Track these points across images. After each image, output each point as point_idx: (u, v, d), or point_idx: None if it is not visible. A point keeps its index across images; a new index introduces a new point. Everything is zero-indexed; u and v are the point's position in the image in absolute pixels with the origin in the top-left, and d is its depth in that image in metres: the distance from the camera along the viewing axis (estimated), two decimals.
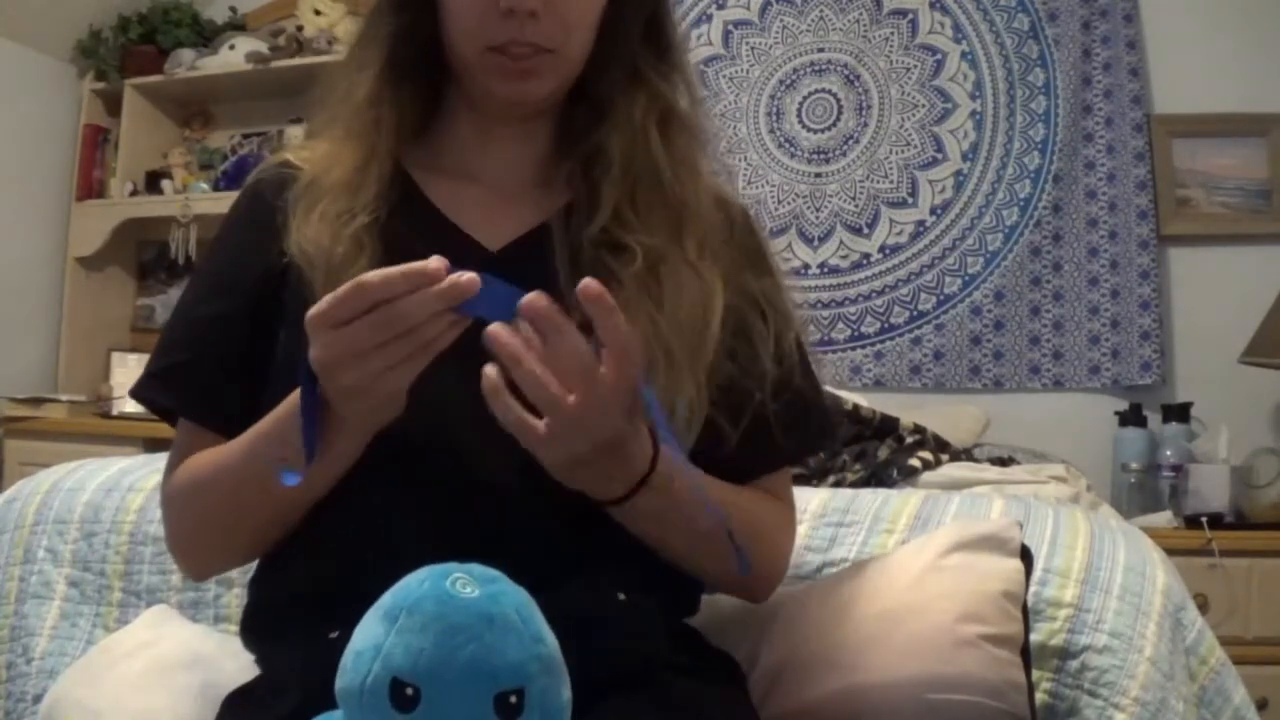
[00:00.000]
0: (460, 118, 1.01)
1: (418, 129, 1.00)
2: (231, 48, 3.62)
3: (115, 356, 3.77)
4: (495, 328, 0.75)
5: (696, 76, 1.08)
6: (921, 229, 3.23)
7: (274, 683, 0.89)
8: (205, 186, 3.63)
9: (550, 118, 1.02)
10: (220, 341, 0.96)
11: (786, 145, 3.32)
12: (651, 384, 0.87)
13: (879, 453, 2.32)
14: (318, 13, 3.48)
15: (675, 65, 1.03)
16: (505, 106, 0.98)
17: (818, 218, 3.28)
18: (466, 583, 0.66)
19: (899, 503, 1.28)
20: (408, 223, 0.94)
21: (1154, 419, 2.92)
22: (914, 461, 2.27)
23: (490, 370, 0.76)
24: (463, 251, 0.91)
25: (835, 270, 3.26)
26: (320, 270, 0.89)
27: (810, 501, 1.28)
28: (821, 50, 3.34)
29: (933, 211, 3.23)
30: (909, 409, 2.61)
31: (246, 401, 0.93)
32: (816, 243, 3.27)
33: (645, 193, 0.97)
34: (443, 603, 0.64)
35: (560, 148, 1.02)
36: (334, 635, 0.80)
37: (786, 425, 0.97)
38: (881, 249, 3.25)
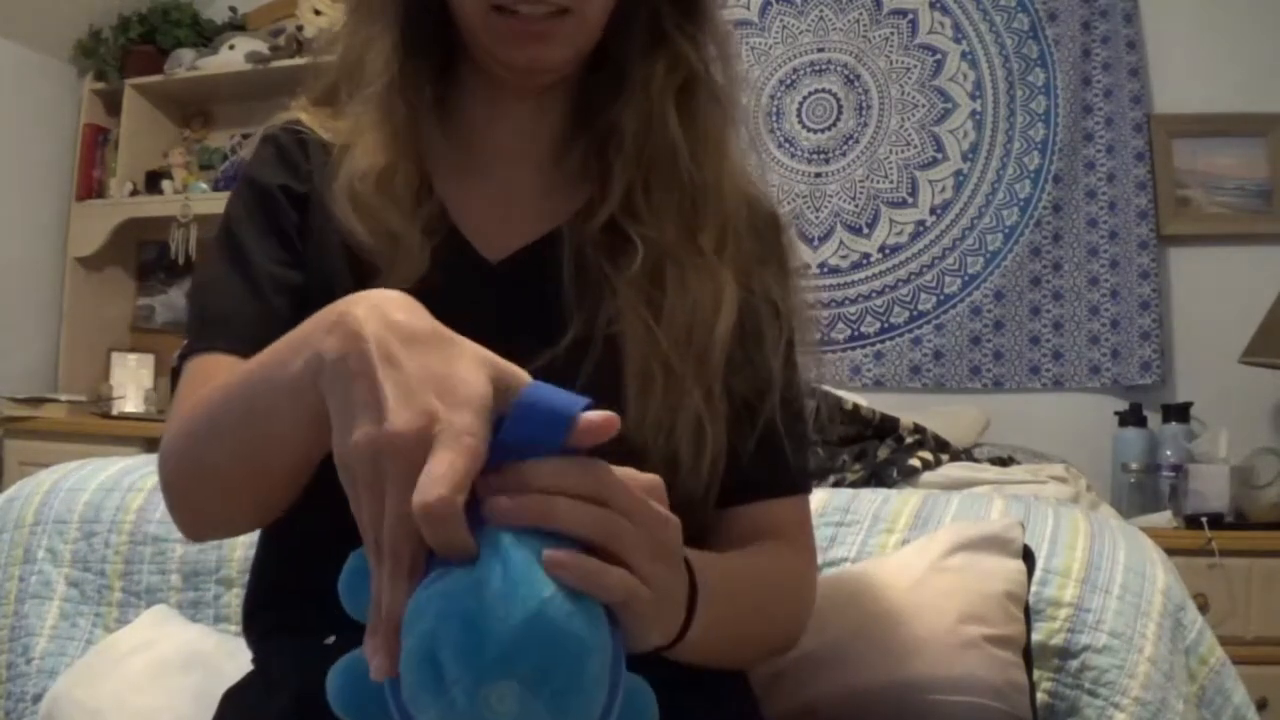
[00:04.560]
0: (471, 93, 0.93)
1: (432, 108, 0.92)
2: (231, 48, 3.62)
3: (115, 356, 3.77)
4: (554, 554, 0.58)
5: (731, 39, 0.95)
6: (921, 229, 3.23)
7: (268, 681, 0.89)
8: (205, 186, 3.63)
9: (566, 90, 0.93)
10: (286, 291, 0.87)
11: (786, 145, 3.32)
12: (648, 400, 0.83)
13: (879, 453, 2.32)
14: (318, 13, 3.48)
15: (705, 25, 0.91)
16: (517, 75, 0.89)
17: (817, 218, 3.28)
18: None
19: (899, 503, 1.28)
20: (424, 225, 0.88)
21: (1154, 419, 2.91)
22: (914, 461, 2.26)
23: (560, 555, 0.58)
24: (462, 261, 0.89)
25: (835, 270, 3.26)
26: (397, 273, 0.83)
27: (810, 501, 1.28)
28: (821, 50, 3.34)
29: (933, 211, 3.23)
30: (909, 409, 2.61)
31: None
32: (816, 243, 3.27)
33: (659, 175, 0.88)
34: None
35: (576, 125, 0.93)
36: (329, 641, 0.80)
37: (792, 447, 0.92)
38: (881, 249, 3.25)
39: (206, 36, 3.76)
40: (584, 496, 0.60)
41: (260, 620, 0.93)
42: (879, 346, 3.23)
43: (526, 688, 0.55)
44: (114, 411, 3.58)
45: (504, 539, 0.58)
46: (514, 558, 0.57)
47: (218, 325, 0.86)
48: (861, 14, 3.31)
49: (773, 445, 0.90)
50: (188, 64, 3.66)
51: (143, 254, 3.92)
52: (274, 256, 0.88)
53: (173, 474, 0.82)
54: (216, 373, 0.82)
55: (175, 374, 0.90)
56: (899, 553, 1.17)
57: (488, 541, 0.58)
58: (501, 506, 0.58)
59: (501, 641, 0.55)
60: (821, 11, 3.34)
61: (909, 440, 2.35)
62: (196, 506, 0.82)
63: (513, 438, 0.59)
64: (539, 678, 0.56)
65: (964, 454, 2.45)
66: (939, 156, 3.23)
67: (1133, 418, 2.91)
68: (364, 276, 0.84)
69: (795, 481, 0.95)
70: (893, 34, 3.29)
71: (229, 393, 0.74)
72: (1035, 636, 1.10)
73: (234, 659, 1.11)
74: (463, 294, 0.87)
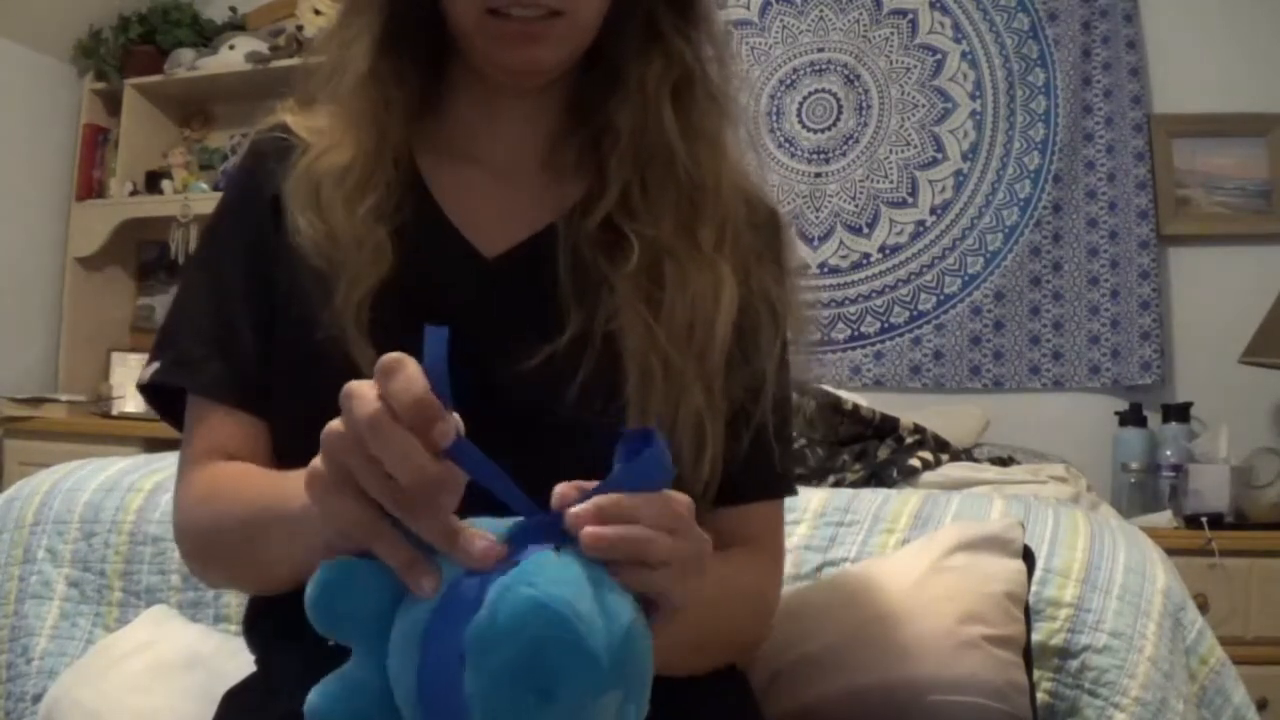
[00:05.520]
0: (463, 92, 0.93)
1: (421, 106, 0.91)
2: (231, 48, 3.62)
3: (115, 356, 3.76)
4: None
5: (728, 38, 0.96)
6: (921, 229, 3.23)
7: (270, 683, 0.89)
8: (205, 186, 3.63)
9: (560, 89, 0.92)
10: (253, 319, 0.89)
11: (786, 145, 3.32)
12: (648, 396, 0.83)
13: (879, 453, 2.32)
14: (318, 13, 3.48)
15: (700, 24, 0.92)
16: (510, 76, 0.89)
17: (817, 218, 3.28)
18: None
19: (899, 503, 1.28)
20: (412, 219, 0.88)
21: (1154, 419, 2.91)
22: (914, 461, 2.26)
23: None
24: (459, 258, 0.89)
25: (835, 270, 3.26)
26: (348, 271, 0.84)
27: (810, 501, 1.28)
28: (821, 50, 3.34)
29: (933, 211, 3.23)
30: (909, 409, 2.61)
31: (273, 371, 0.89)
32: (816, 243, 3.27)
33: (656, 173, 0.89)
34: None
35: (571, 123, 0.93)
36: (333, 644, 0.80)
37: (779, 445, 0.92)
38: (881, 249, 3.25)
39: (206, 36, 3.76)
40: (663, 528, 0.61)
41: (262, 627, 0.93)
42: (879, 346, 3.23)
43: (626, 695, 0.59)
44: (114, 411, 3.58)
45: (551, 554, 0.60)
46: (584, 570, 0.59)
47: (190, 366, 0.89)
48: (861, 14, 3.31)
49: (762, 448, 0.90)
50: (188, 64, 3.66)
51: (143, 254, 3.92)
52: (244, 286, 0.90)
53: (191, 558, 0.92)
54: (227, 426, 0.88)
55: (147, 391, 0.92)
56: (899, 553, 1.17)
57: (543, 556, 0.59)
58: (602, 536, 0.59)
59: (614, 652, 0.57)
60: (821, 11, 3.34)
61: (909, 440, 2.35)
62: (213, 582, 0.97)
63: (619, 486, 0.62)
64: (635, 685, 0.59)
65: (964, 454, 2.45)
66: (939, 156, 3.23)
67: (1133, 418, 2.91)
68: (329, 277, 0.85)
69: (779, 486, 0.95)
70: (893, 34, 3.29)
71: (237, 519, 0.82)
72: (1035, 636, 1.10)
73: (234, 659, 1.11)
74: (460, 289, 0.89)
